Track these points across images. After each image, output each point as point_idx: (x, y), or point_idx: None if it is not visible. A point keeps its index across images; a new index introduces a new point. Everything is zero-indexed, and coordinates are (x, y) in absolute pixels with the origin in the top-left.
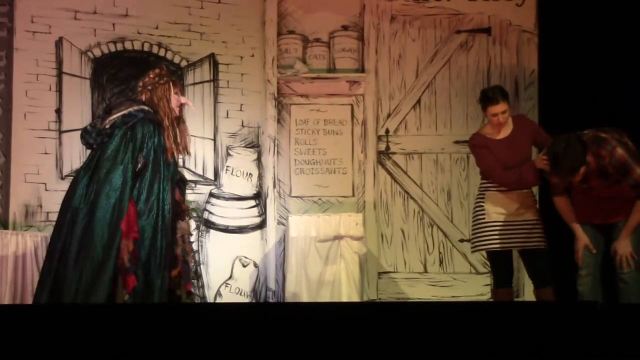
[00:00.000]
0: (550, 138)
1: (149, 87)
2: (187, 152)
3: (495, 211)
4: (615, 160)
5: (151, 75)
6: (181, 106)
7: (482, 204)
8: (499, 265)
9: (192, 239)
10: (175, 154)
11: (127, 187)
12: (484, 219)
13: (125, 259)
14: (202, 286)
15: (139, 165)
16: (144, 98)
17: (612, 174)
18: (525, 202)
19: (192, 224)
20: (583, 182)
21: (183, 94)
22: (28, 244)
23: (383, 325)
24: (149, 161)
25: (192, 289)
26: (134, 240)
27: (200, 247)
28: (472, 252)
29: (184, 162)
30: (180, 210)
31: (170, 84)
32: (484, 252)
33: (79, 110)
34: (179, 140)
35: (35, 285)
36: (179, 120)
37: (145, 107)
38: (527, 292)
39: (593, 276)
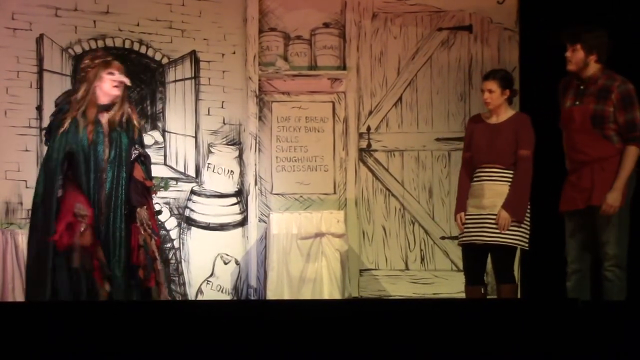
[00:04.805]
0: (531, 143)
1: (82, 73)
2: (135, 127)
3: (471, 204)
4: (624, 89)
5: (85, 61)
6: (119, 85)
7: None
8: (468, 261)
9: (174, 235)
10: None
11: (57, 176)
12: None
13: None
14: (183, 283)
15: (61, 154)
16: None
17: (611, 100)
18: (501, 195)
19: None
20: (578, 95)
21: (123, 72)
22: (9, 241)
23: (364, 323)
24: (77, 149)
25: (173, 286)
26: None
27: (181, 245)
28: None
29: (165, 160)
30: (143, 188)
31: (101, 66)
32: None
33: None
34: (116, 119)
35: (15, 283)
36: (118, 99)
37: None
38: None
39: (580, 273)
